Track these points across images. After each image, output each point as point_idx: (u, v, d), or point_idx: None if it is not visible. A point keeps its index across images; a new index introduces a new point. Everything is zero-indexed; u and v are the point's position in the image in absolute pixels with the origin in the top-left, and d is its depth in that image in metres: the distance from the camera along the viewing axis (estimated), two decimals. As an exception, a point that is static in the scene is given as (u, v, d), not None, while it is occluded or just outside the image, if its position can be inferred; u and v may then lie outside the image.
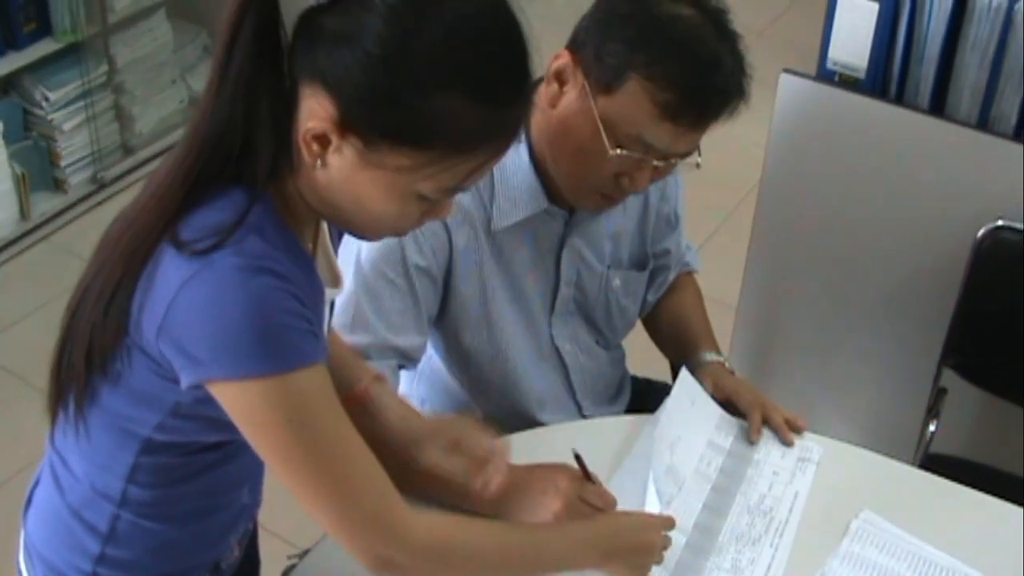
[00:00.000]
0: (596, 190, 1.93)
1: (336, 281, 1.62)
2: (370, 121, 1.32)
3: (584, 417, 2.24)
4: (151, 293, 1.36)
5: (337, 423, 1.43)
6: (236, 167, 1.37)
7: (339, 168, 1.36)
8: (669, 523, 1.78)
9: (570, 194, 1.98)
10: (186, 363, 1.36)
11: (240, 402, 1.38)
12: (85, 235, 4.08)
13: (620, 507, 1.82)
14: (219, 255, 1.33)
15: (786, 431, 2.07)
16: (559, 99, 1.90)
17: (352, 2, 1.31)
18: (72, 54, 4.04)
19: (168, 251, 1.35)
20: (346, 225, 1.48)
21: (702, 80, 1.81)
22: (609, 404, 2.32)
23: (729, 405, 2.12)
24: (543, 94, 1.92)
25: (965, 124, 2.52)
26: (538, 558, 1.67)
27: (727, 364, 2.23)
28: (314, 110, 1.32)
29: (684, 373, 2.10)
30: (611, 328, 2.24)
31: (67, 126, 4.07)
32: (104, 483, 1.54)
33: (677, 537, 1.83)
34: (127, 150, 4.33)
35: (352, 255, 1.93)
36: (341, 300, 1.89)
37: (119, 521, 1.56)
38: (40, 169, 4.09)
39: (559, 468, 1.83)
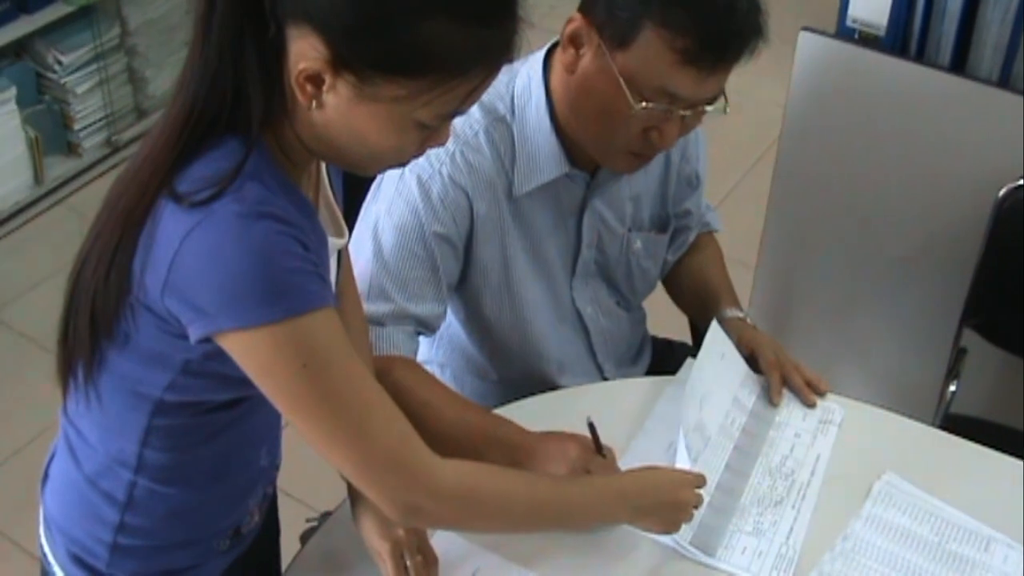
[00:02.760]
0: (626, 149, 1.91)
1: (340, 231, 1.60)
2: (362, 55, 1.30)
3: (605, 379, 2.23)
4: (153, 249, 1.35)
5: (351, 366, 1.42)
6: (229, 117, 1.35)
7: (335, 106, 1.35)
8: (701, 480, 1.76)
9: (600, 156, 1.97)
10: (194, 316, 1.35)
11: (252, 351, 1.37)
12: (99, 198, 4.02)
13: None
14: (219, 204, 1.31)
15: (807, 392, 2.06)
16: (576, 63, 1.87)
17: None
18: (84, 17, 4.02)
19: (167, 206, 1.34)
20: (346, 163, 1.47)
21: (718, 21, 1.78)
22: (630, 366, 2.31)
23: (753, 360, 2.11)
24: (559, 60, 1.90)
25: (986, 82, 2.50)
26: (568, 510, 1.66)
27: (749, 320, 2.22)
28: (304, 51, 1.31)
29: (715, 325, 2.08)
30: (632, 290, 2.23)
31: (80, 89, 4.06)
32: (119, 449, 1.54)
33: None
34: (140, 113, 4.32)
35: (370, 224, 1.92)
36: (359, 270, 1.88)
37: (136, 488, 1.56)
38: (54, 133, 4.08)
39: (571, 437, 1.82)
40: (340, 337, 1.40)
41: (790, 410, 2.05)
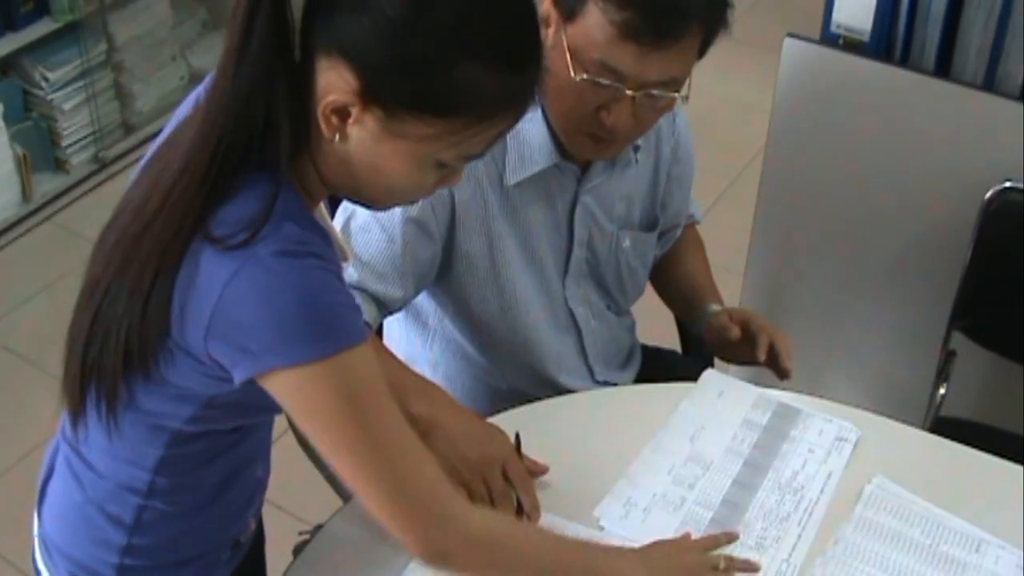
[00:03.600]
0: (582, 130, 1.91)
1: (345, 256, 1.60)
2: (394, 91, 1.30)
3: (596, 382, 2.24)
4: (192, 294, 1.34)
5: (388, 403, 1.43)
6: (258, 152, 1.34)
7: (359, 140, 1.34)
8: (711, 543, 1.78)
9: (563, 139, 1.97)
10: (240, 358, 1.35)
11: (296, 389, 1.37)
12: (88, 215, 4.08)
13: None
14: (259, 246, 1.31)
15: (788, 357, 2.10)
16: (546, 43, 1.89)
17: None
18: (70, 33, 4.03)
19: (205, 250, 1.33)
20: (360, 196, 1.47)
21: None
22: (619, 370, 2.31)
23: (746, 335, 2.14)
24: None
25: (971, 85, 2.50)
26: (588, 569, 1.66)
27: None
28: (333, 83, 1.30)
29: (708, 374, 2.10)
30: (622, 291, 2.23)
31: (67, 106, 4.06)
32: (129, 477, 1.53)
33: (702, 513, 1.84)
34: (128, 128, 4.32)
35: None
36: None
37: (145, 511, 1.55)
38: (41, 150, 4.08)
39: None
40: (376, 371, 1.41)
41: (806, 425, 2.03)
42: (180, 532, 1.59)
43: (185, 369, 1.40)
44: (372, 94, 1.30)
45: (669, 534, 1.80)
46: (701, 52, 1.86)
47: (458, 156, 1.37)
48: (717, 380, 2.09)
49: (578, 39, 1.82)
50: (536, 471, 1.86)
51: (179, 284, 1.34)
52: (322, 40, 1.30)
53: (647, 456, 1.94)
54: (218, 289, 1.32)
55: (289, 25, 1.29)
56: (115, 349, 1.40)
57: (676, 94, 1.88)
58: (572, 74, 1.82)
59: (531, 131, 1.96)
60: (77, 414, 1.50)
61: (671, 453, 1.94)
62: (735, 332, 2.13)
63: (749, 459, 1.95)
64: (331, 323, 1.35)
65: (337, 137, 1.34)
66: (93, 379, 1.44)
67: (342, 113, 1.32)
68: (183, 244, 1.34)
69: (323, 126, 1.33)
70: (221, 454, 1.56)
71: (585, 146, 1.96)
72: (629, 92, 1.83)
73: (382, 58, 1.28)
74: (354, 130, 1.33)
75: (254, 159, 1.34)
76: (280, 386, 1.37)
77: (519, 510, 1.80)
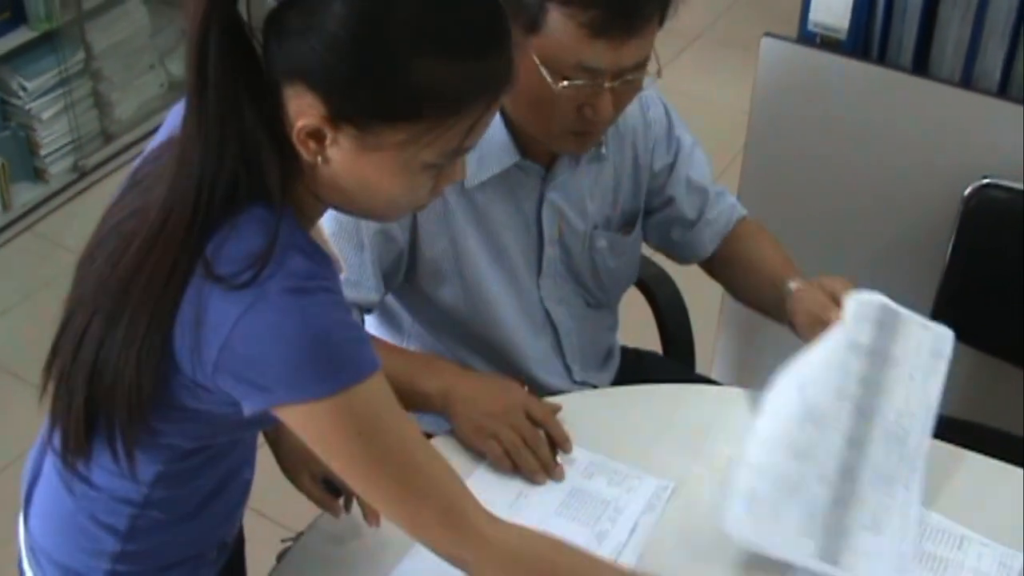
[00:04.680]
0: (567, 130, 1.91)
1: (340, 267, 1.58)
2: (357, 105, 1.30)
3: (575, 382, 2.23)
4: (203, 332, 1.33)
5: (404, 426, 1.44)
6: (248, 185, 1.33)
7: (341, 160, 1.34)
8: None
9: (548, 143, 1.97)
10: (250, 391, 1.36)
11: (308, 422, 1.39)
12: (68, 224, 4.07)
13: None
14: (269, 283, 1.31)
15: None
16: None
17: None
18: (48, 42, 4.01)
19: (213, 291, 1.32)
20: (361, 212, 1.46)
21: None
22: (597, 371, 2.31)
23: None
24: None
25: (948, 82, 2.51)
26: None
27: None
28: (301, 108, 1.30)
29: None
30: (600, 287, 2.22)
31: (46, 115, 4.04)
32: (126, 490, 1.53)
33: (821, 491, 1.77)
34: (107, 137, 4.30)
35: None
36: None
37: (138, 520, 1.55)
38: (20, 159, 4.06)
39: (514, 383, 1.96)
40: (390, 400, 1.42)
41: (907, 339, 1.86)
42: (172, 537, 1.59)
43: (198, 395, 1.40)
44: (339, 113, 1.30)
45: (791, 534, 1.74)
46: (661, 21, 1.86)
47: (441, 153, 1.36)
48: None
49: (547, 49, 1.82)
50: (555, 408, 1.96)
51: (183, 324, 1.34)
52: (281, 68, 1.30)
53: (763, 428, 1.81)
54: (228, 326, 1.31)
55: (252, 58, 1.30)
56: (122, 404, 1.39)
57: (647, 75, 1.88)
58: (552, 84, 1.82)
59: (489, 132, 1.96)
60: (82, 454, 1.49)
61: (784, 417, 1.81)
62: (832, 312, 1.92)
63: (859, 402, 1.82)
64: (342, 359, 1.35)
65: (320, 160, 1.34)
66: (103, 429, 1.43)
67: (317, 136, 1.32)
68: (178, 289, 1.33)
69: (302, 152, 1.33)
70: (216, 463, 1.56)
71: (570, 143, 1.96)
72: (608, 85, 1.84)
73: (338, 75, 1.28)
74: (333, 151, 1.33)
75: (245, 189, 1.33)
76: (292, 418, 1.38)
77: (551, 444, 1.90)
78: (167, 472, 1.51)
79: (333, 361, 1.34)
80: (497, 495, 1.80)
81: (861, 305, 1.88)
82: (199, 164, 1.32)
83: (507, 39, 1.36)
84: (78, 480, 1.54)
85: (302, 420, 1.39)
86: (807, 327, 1.97)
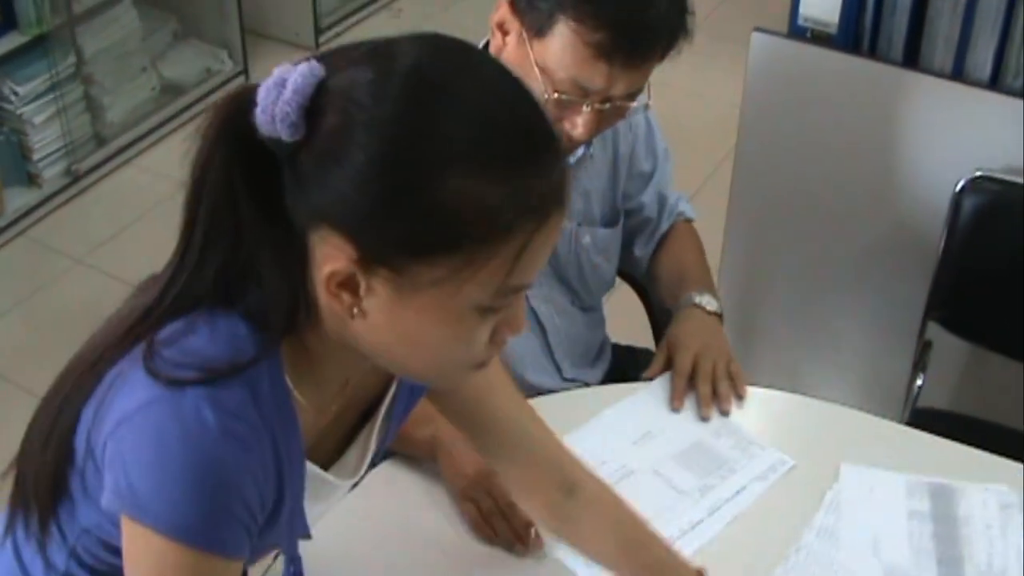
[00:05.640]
0: None
1: (355, 471, 1.46)
2: (387, 240, 1.14)
3: (565, 380, 2.23)
4: (112, 402, 1.22)
5: None
6: (238, 296, 1.22)
7: (379, 310, 1.19)
8: None
9: None
10: (111, 483, 1.22)
11: (138, 545, 1.23)
12: (61, 228, 4.06)
13: None
14: (192, 393, 1.17)
15: (706, 404, 2.02)
16: (503, 50, 1.89)
17: (324, 127, 1.15)
18: (39, 46, 4.00)
19: (137, 370, 1.20)
20: (415, 375, 1.34)
21: (632, 19, 1.79)
22: (588, 368, 2.31)
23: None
24: (492, 49, 1.92)
25: (939, 75, 2.51)
26: None
27: (711, 308, 2.16)
28: (329, 254, 1.16)
29: (847, 471, 1.93)
30: (585, 287, 2.23)
31: (38, 120, 4.03)
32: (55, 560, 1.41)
33: None
34: (100, 141, 4.30)
35: None
36: None
37: None
38: (13, 164, 4.05)
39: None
40: None
41: (968, 500, 1.89)
42: None
43: (89, 484, 1.29)
44: (369, 253, 1.15)
45: None
46: (662, 57, 1.87)
47: (488, 291, 1.18)
48: (860, 475, 1.94)
49: (548, 57, 1.82)
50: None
51: (97, 397, 1.24)
52: (304, 212, 1.17)
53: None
54: (132, 408, 1.20)
55: (274, 195, 1.19)
56: (32, 488, 1.33)
57: (635, 103, 1.90)
58: (543, 92, 1.82)
59: None
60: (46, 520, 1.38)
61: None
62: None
63: (942, 556, 1.82)
64: (206, 520, 1.20)
65: (356, 313, 1.20)
66: (27, 504, 1.37)
67: (350, 286, 1.18)
68: (108, 364, 1.25)
69: (336, 306, 1.20)
70: None
71: None
72: (597, 106, 1.85)
73: (361, 208, 1.14)
74: (369, 302, 1.18)
75: (225, 297, 1.23)
76: (128, 531, 1.23)
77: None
78: (81, 551, 1.38)
79: (198, 516, 1.19)
80: (627, 427, 1.98)
81: (911, 483, 1.92)
82: (187, 265, 1.23)
83: (555, 152, 1.20)
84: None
85: (133, 540, 1.23)
86: (660, 351, 2.10)
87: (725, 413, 2.02)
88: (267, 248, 1.20)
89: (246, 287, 1.22)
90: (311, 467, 1.35)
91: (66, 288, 3.73)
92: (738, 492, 1.89)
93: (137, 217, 4.03)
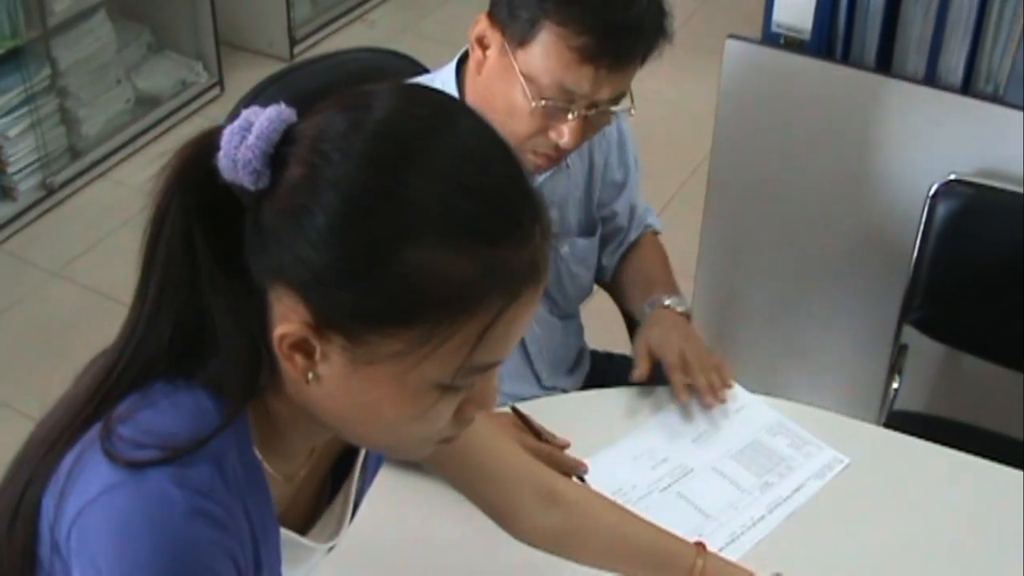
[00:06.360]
0: (530, 149, 1.91)
1: (333, 535, 1.40)
2: (342, 305, 1.07)
3: (544, 388, 2.24)
4: (71, 490, 1.14)
5: None
6: (197, 367, 1.16)
7: (333, 377, 1.12)
8: None
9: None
10: (82, 564, 1.14)
11: None
12: (37, 241, 4.04)
13: None
14: (155, 473, 1.10)
15: (707, 393, 2.06)
16: (484, 64, 1.90)
17: (288, 179, 1.09)
18: (13, 59, 3.98)
19: (94, 453, 1.13)
20: (370, 445, 1.30)
21: (615, 20, 1.80)
22: (567, 376, 2.32)
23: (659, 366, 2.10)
24: (471, 63, 1.93)
25: (912, 80, 2.52)
26: None
27: (682, 310, 2.18)
28: (283, 315, 1.10)
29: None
30: (564, 296, 2.24)
31: (12, 132, 4.02)
32: None
33: None
34: (75, 153, 4.28)
35: None
36: None
37: None
38: (-13, 177, 4.05)
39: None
40: None
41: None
42: None
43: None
44: (323, 317, 1.08)
45: None
46: (642, 61, 1.88)
47: (448, 369, 1.10)
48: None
49: (533, 65, 1.83)
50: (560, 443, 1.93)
51: (58, 478, 1.16)
52: (262, 269, 1.11)
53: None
54: (93, 493, 1.12)
55: (234, 248, 1.12)
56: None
57: (619, 108, 1.91)
58: (530, 101, 1.83)
59: None
60: None
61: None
62: (640, 373, 2.08)
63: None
64: None
65: (311, 378, 1.13)
66: None
67: (304, 349, 1.11)
68: (67, 444, 1.17)
69: (289, 368, 1.13)
70: None
71: (533, 164, 1.97)
72: (583, 112, 1.85)
73: (316, 268, 1.07)
74: (324, 368, 1.12)
75: (183, 363, 1.16)
76: None
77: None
78: None
79: None
80: (680, 429, 2.04)
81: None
82: (140, 330, 1.17)
83: (533, 223, 1.11)
84: None
85: None
86: (640, 353, 2.08)
87: (721, 402, 2.06)
88: (224, 302, 1.13)
89: (204, 352, 1.15)
90: (287, 533, 1.29)
91: (42, 301, 3.71)
92: (796, 490, 1.94)
93: (113, 229, 4.02)
